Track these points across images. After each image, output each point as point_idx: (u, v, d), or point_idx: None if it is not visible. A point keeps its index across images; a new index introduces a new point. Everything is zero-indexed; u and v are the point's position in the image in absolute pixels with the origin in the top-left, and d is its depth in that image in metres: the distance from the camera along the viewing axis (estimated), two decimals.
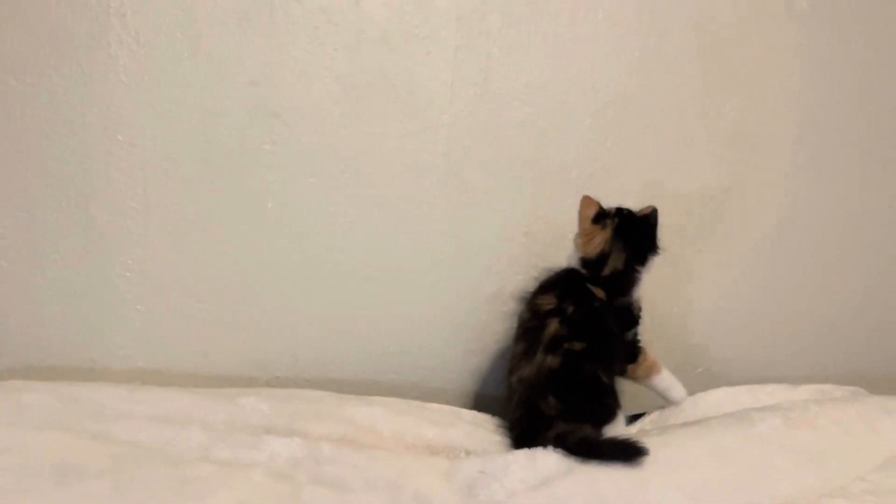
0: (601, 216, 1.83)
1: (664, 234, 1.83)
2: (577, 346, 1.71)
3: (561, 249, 2.00)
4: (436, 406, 1.84)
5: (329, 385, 1.89)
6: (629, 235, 1.82)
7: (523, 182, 2.01)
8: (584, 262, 1.82)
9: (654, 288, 1.90)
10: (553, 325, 1.74)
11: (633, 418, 1.94)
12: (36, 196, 1.83)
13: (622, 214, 1.83)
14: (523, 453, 1.60)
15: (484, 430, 1.79)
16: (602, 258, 1.81)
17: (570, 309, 1.75)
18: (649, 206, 1.84)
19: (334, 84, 1.88)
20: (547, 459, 1.58)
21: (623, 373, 1.86)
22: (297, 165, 1.89)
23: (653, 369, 1.89)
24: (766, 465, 1.61)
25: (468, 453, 1.67)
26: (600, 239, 1.81)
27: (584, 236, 1.83)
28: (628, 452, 1.57)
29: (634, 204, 1.99)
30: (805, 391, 2.02)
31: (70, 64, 1.78)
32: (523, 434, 1.70)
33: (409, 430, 1.70)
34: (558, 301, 1.76)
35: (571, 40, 1.98)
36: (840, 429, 1.73)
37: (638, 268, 1.83)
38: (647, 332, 1.89)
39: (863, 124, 2.18)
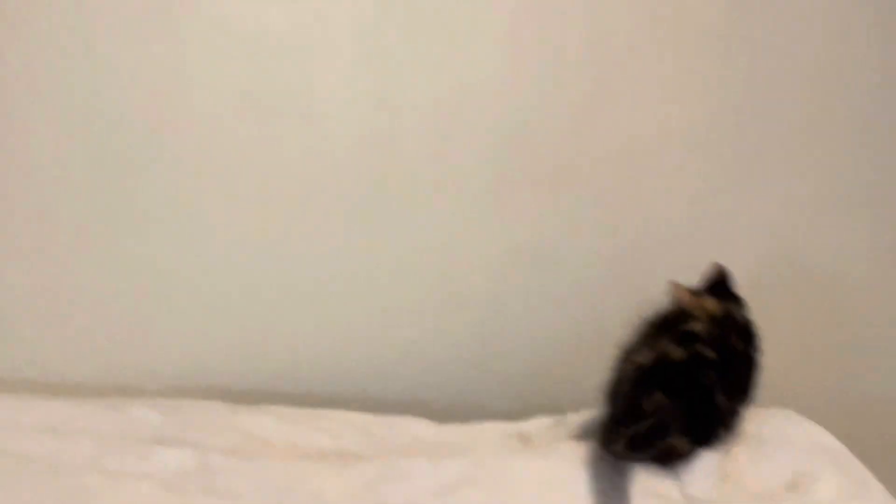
0: (694, 293, 1.81)
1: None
2: (710, 354, 1.65)
3: (458, 259, 2.04)
4: (328, 412, 1.83)
5: (222, 395, 1.88)
6: (723, 295, 1.82)
7: (421, 195, 2.03)
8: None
9: None
10: (697, 324, 1.69)
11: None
12: None
13: (702, 286, 1.83)
14: (425, 459, 1.62)
15: (376, 435, 1.78)
16: (728, 315, 1.78)
17: (716, 329, 1.70)
18: (715, 264, 1.85)
19: (232, 93, 1.88)
20: (450, 466, 1.60)
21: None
22: (195, 175, 1.88)
23: None
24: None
25: (361, 458, 1.66)
26: (711, 303, 1.78)
27: (697, 311, 1.77)
28: None
29: (532, 218, 2.05)
30: None
31: None
32: (611, 430, 1.64)
33: (302, 438, 1.70)
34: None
35: (470, 55, 2.00)
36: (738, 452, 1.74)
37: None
38: None
39: (756, 135, 2.23)
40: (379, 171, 1.99)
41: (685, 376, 1.63)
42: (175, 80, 1.85)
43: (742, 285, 2.01)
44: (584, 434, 1.76)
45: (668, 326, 1.71)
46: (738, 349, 1.73)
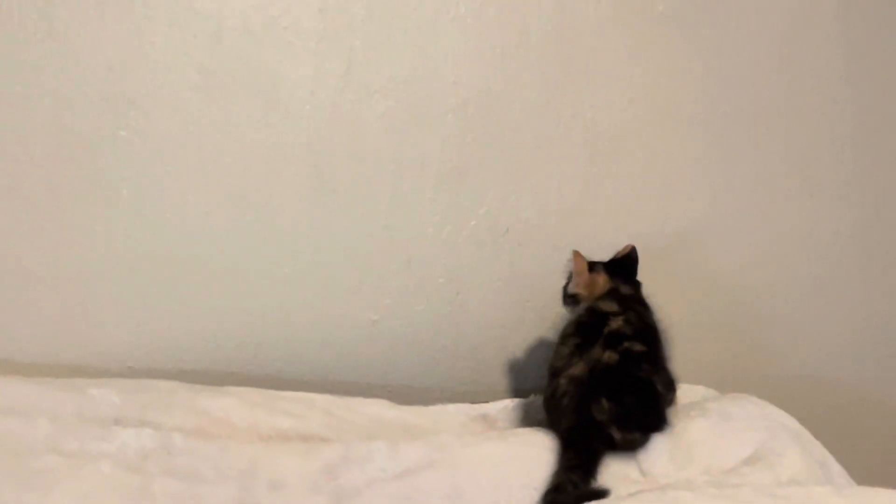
0: (591, 266, 1.87)
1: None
2: (639, 347, 1.70)
3: (419, 243, 2.03)
4: (289, 394, 1.81)
5: (184, 376, 1.86)
6: (622, 274, 1.88)
7: (383, 175, 2.01)
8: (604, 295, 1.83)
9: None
10: (616, 323, 1.73)
11: None
12: None
13: (605, 263, 1.90)
14: (386, 442, 1.61)
15: (337, 416, 1.78)
16: (614, 290, 1.83)
17: (632, 314, 1.76)
18: (628, 245, 1.92)
19: (193, 72, 1.85)
20: (410, 450, 1.60)
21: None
22: (154, 153, 1.85)
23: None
24: None
25: (323, 441, 1.66)
26: (602, 280, 1.85)
27: (587, 287, 1.84)
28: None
29: (494, 201, 2.05)
30: None
31: None
32: (575, 444, 1.63)
33: (263, 420, 1.68)
34: (620, 307, 1.78)
35: (434, 35, 2.00)
36: (701, 431, 1.76)
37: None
38: None
39: (717, 126, 2.25)
40: (343, 150, 1.97)
41: (624, 377, 1.68)
42: (136, 58, 1.82)
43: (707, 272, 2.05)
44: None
45: (591, 334, 1.74)
46: (649, 321, 1.81)
